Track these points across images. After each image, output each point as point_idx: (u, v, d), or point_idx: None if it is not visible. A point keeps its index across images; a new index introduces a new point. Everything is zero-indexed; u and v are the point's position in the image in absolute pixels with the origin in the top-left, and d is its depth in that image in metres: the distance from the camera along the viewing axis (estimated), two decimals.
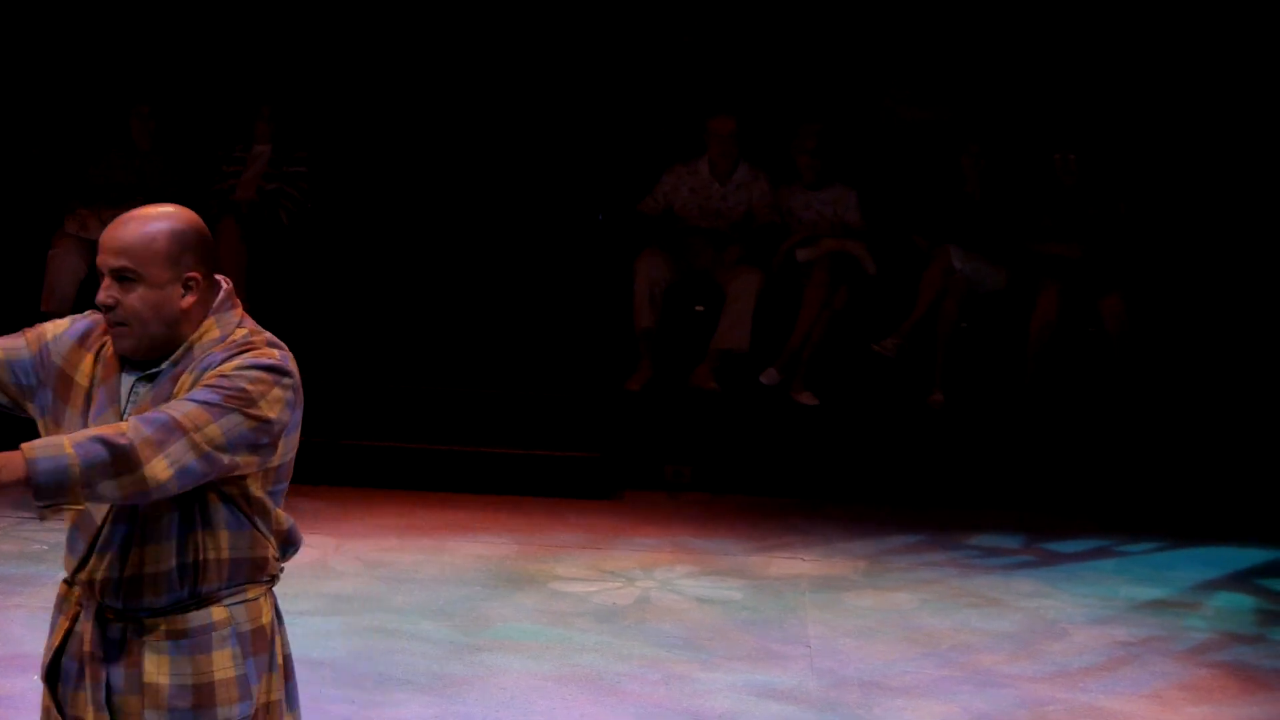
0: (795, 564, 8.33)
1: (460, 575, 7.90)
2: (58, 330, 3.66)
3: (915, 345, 9.92)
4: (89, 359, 3.61)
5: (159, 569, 3.51)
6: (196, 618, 3.54)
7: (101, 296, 3.53)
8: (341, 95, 11.30)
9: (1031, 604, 7.78)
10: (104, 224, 3.65)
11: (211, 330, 3.56)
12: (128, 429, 3.35)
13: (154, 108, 10.73)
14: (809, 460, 9.72)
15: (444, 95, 11.30)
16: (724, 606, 7.63)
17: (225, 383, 3.45)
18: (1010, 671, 6.87)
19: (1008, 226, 10.13)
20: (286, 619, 3.76)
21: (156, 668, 3.53)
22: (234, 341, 3.54)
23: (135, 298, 3.50)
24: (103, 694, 3.55)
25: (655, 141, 10.96)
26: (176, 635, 3.53)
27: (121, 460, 3.31)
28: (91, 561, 3.55)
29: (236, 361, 3.49)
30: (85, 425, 3.52)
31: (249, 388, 3.46)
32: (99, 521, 3.53)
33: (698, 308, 10.19)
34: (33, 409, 3.65)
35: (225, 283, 3.64)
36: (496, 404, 9.78)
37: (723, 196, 10.30)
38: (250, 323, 3.62)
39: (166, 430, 3.36)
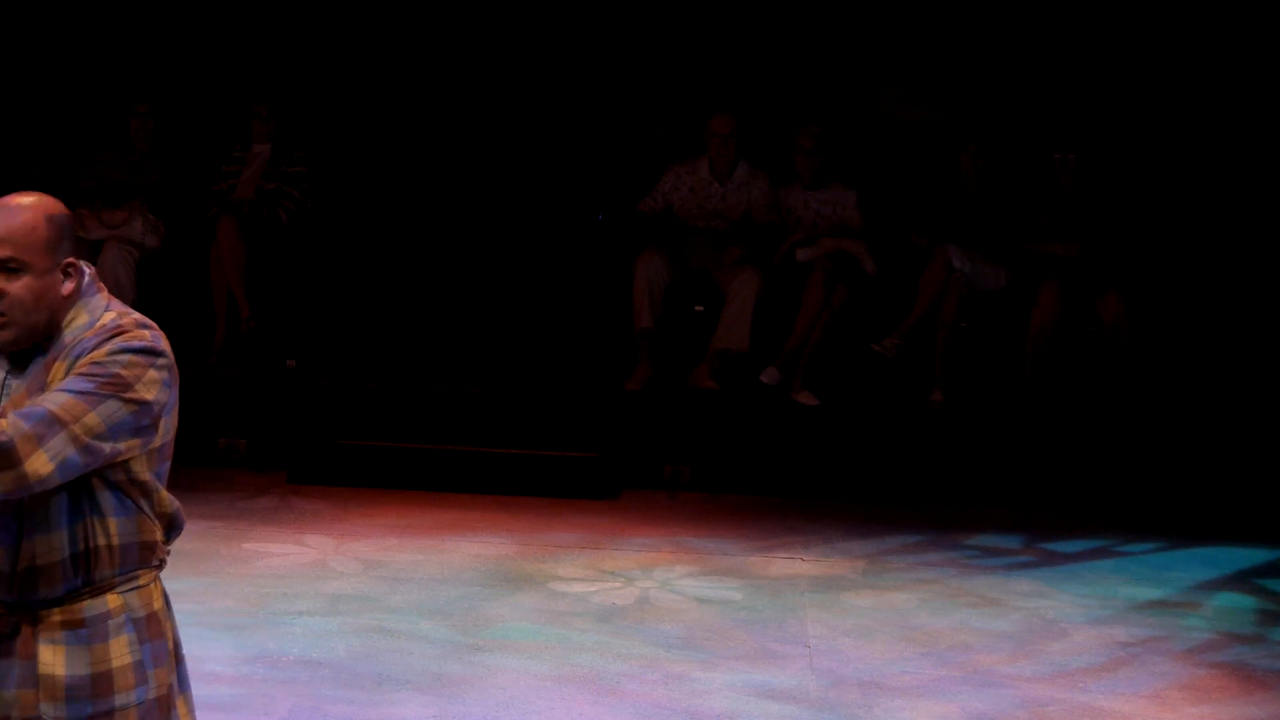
0: (794, 564, 8.33)
1: (459, 575, 7.90)
2: None
3: (915, 345, 9.92)
4: None
5: (51, 560, 3.51)
6: (92, 606, 3.54)
7: None
8: (341, 95, 11.30)
9: (1031, 604, 7.78)
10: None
11: (80, 316, 3.56)
12: (6, 425, 3.35)
13: (152, 107, 10.73)
14: (808, 460, 9.72)
15: (444, 95, 11.30)
16: (723, 606, 7.63)
17: (99, 369, 3.46)
18: (1009, 671, 6.87)
19: (1007, 226, 10.13)
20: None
21: (53, 658, 3.52)
22: (104, 326, 3.54)
23: (20, 286, 3.49)
24: None
25: (655, 141, 10.96)
26: (73, 625, 3.53)
27: (1, 457, 3.32)
28: None
29: (108, 347, 3.49)
30: None
31: (123, 372, 3.47)
32: None
33: (697, 308, 10.19)
34: None
35: (88, 268, 3.63)
36: (496, 404, 9.77)
37: (722, 196, 10.29)
38: (118, 305, 3.62)
39: (45, 424, 3.36)
